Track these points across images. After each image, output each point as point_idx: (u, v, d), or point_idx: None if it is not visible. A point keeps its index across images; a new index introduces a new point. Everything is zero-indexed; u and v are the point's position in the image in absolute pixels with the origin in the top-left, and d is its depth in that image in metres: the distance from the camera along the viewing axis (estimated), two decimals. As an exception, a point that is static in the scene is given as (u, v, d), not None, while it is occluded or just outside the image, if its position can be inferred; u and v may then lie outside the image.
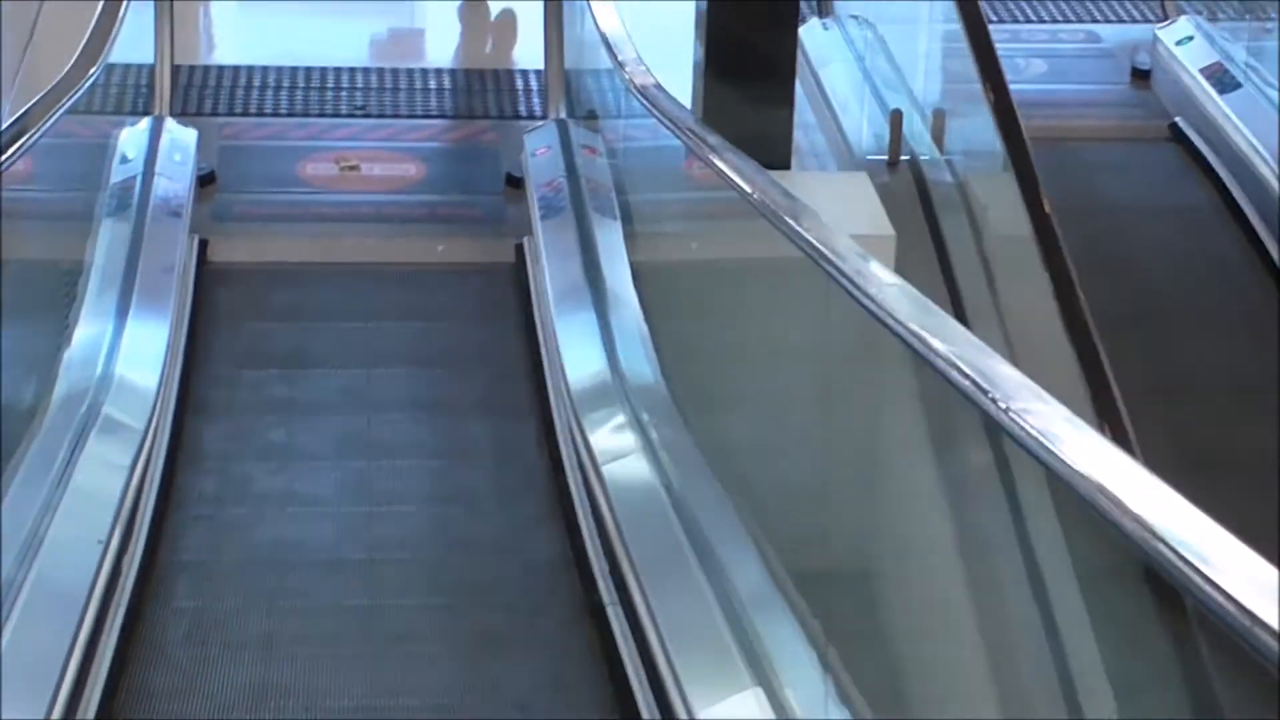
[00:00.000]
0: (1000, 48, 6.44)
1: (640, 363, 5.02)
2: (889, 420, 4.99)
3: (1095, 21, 8.30)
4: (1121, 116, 7.63)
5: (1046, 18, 8.32)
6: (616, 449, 4.56)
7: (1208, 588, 2.09)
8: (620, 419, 4.68)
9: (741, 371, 5.13)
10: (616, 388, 4.88)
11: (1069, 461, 2.51)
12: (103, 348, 5.02)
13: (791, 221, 4.05)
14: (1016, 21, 8.24)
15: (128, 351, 5.05)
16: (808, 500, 4.75)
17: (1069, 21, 8.30)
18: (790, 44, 6.50)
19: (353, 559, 4.59)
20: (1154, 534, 2.24)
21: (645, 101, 5.33)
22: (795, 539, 4.48)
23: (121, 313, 5.27)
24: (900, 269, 6.06)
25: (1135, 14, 8.36)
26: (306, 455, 5.10)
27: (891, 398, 4.96)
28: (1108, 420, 5.39)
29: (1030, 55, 7.88)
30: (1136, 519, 2.28)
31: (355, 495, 4.92)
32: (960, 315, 6.07)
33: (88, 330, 5.13)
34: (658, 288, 5.66)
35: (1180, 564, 2.15)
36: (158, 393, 4.89)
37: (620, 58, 5.62)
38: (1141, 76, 7.74)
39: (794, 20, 6.50)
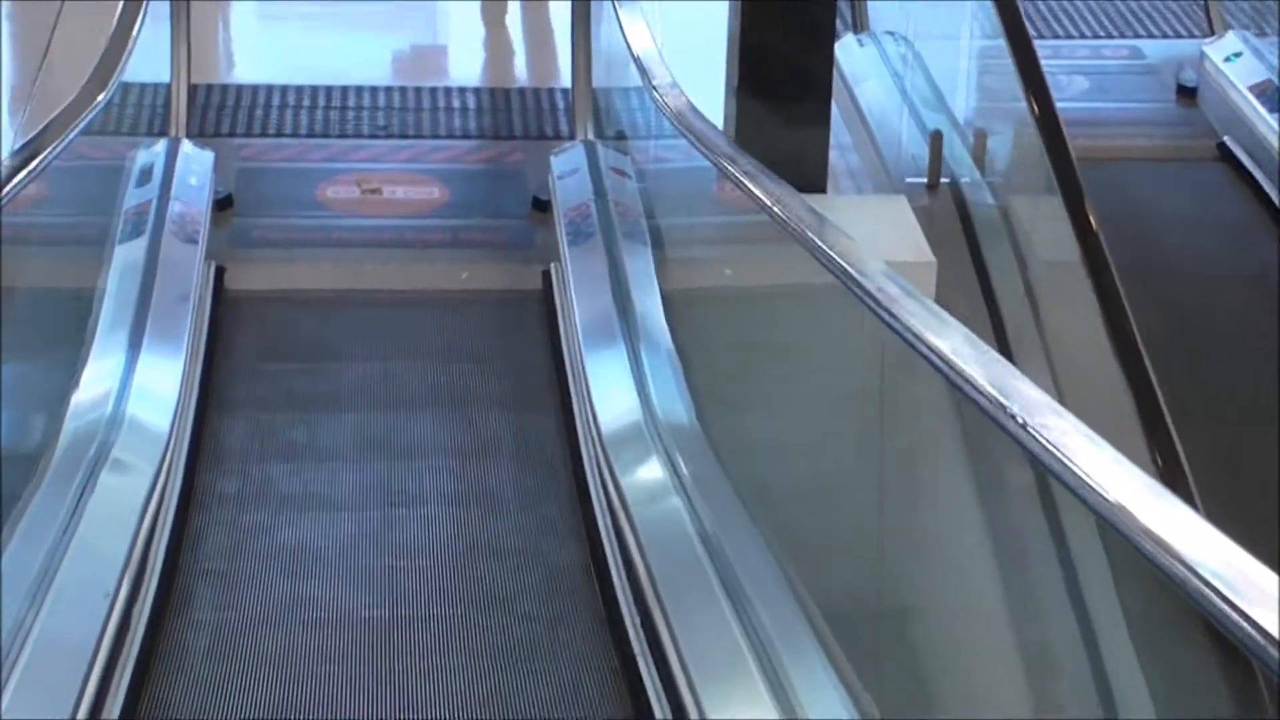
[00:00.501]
0: (1041, 64, 6.24)
1: (673, 397, 4.80)
2: (932, 456, 4.81)
3: (1139, 37, 8.07)
4: (1167, 135, 7.39)
5: (1088, 33, 8.08)
6: (648, 493, 4.34)
7: (1227, 609, 2.02)
8: (652, 461, 4.45)
9: (777, 404, 4.92)
10: (648, 425, 4.67)
11: (1085, 476, 2.42)
12: (113, 384, 4.81)
13: (816, 238, 3.85)
14: (1057, 37, 8.01)
15: (139, 389, 4.84)
16: (850, 544, 4.54)
17: (1111, 37, 8.07)
18: (826, 61, 6.29)
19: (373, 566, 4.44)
20: (1168, 550, 2.17)
21: (681, 126, 5.11)
22: (837, 586, 4.27)
23: (134, 345, 5.07)
24: (941, 296, 5.87)
25: (1180, 29, 8.13)
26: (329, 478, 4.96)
27: (935, 432, 4.78)
28: (1160, 451, 5.18)
29: (1072, 72, 7.65)
30: (1152, 535, 2.21)
31: (375, 499, 4.81)
32: (1003, 344, 5.86)
33: (98, 365, 4.92)
34: (690, 316, 5.46)
35: (1197, 581, 2.08)
36: (170, 432, 4.68)
37: (653, 79, 5.40)
38: (1187, 94, 7.51)
39: (830, 37, 6.28)
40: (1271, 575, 2.04)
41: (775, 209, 4.28)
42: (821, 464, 4.49)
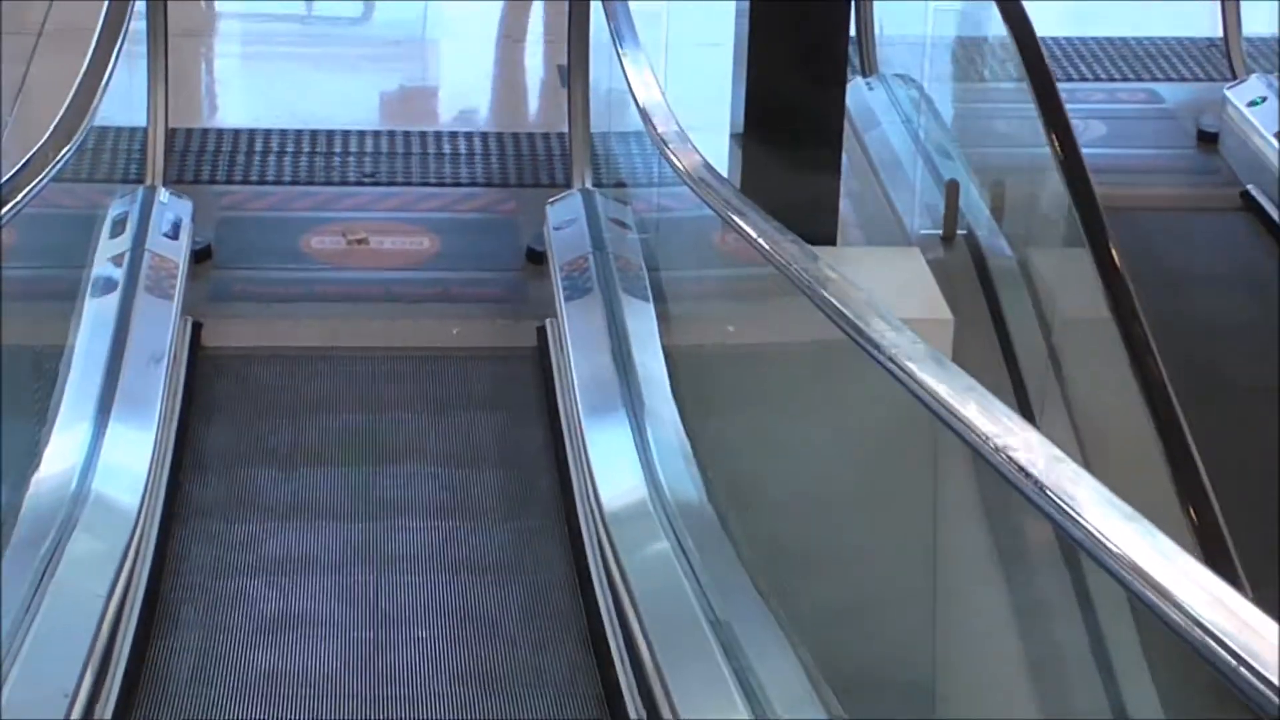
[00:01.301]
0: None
1: (680, 471, 4.48)
2: (952, 522, 4.57)
3: (1156, 80, 7.75)
4: (1187, 184, 7.09)
5: (1103, 75, 7.77)
6: (655, 578, 4.01)
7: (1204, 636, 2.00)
8: (660, 543, 4.12)
9: (792, 475, 4.62)
10: (654, 503, 4.34)
11: (1067, 504, 2.40)
12: (80, 456, 4.48)
13: (824, 292, 3.67)
14: (1071, 79, 7.69)
15: (107, 460, 4.51)
16: (873, 627, 4.25)
17: (1127, 80, 7.76)
18: (837, 106, 6.01)
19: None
20: (1147, 580, 2.14)
21: (687, 176, 4.80)
22: (856, 670, 3.97)
23: (103, 411, 4.74)
24: (958, 355, 5.56)
25: (1199, 72, 7.81)
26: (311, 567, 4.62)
27: (954, 497, 4.54)
28: (1197, 511, 4.89)
29: (1088, 116, 7.34)
30: (1130, 564, 2.19)
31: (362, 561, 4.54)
32: (1024, 405, 5.57)
33: (63, 434, 4.59)
34: (696, 376, 5.16)
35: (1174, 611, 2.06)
36: (140, 510, 4.33)
37: (658, 127, 5.08)
38: (1208, 140, 7.20)
39: (842, 80, 6.00)
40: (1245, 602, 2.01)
41: (782, 261, 4.01)
42: (842, 542, 4.18)
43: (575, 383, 5.09)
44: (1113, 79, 7.75)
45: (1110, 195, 6.51)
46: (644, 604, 3.93)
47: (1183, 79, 7.76)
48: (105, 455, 4.46)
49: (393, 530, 4.76)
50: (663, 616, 3.81)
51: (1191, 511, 4.93)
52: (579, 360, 5.23)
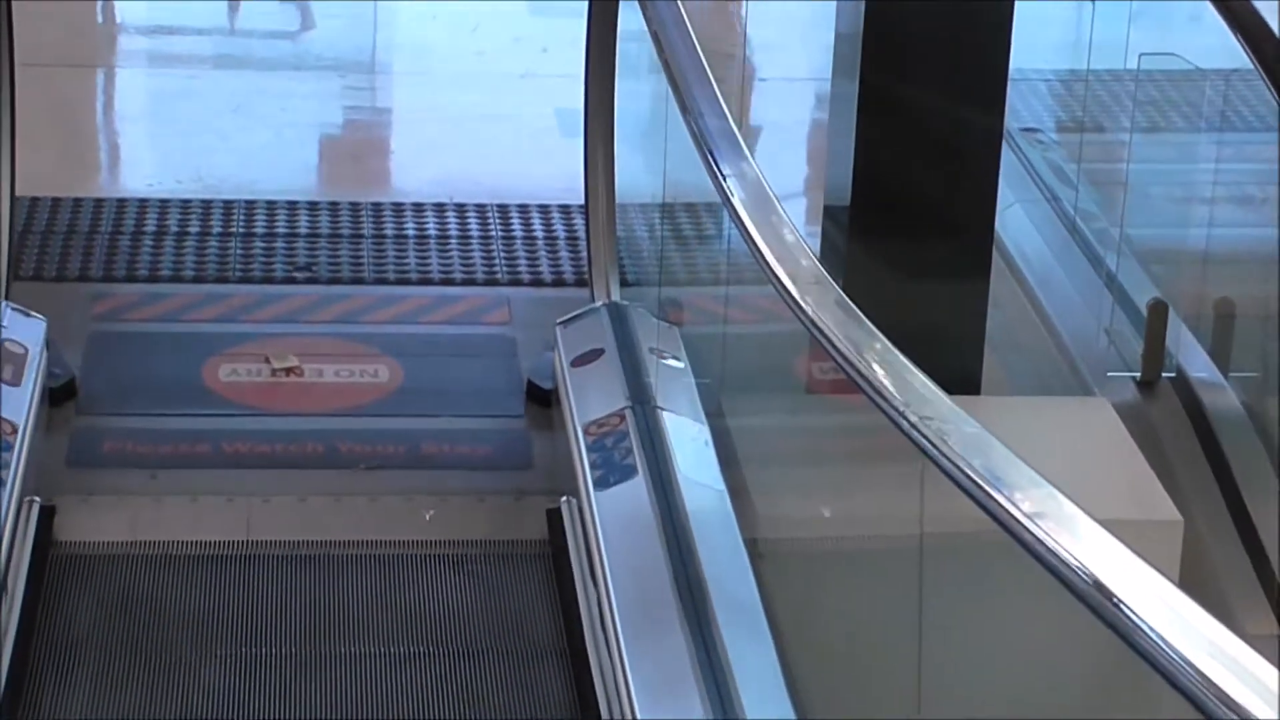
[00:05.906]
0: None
1: None
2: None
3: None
4: None
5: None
6: None
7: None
8: None
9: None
10: None
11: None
12: None
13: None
14: (1236, 129, 5.85)
15: None
16: None
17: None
18: (986, 189, 4.20)
19: None
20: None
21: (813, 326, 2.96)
22: None
23: None
24: (1188, 571, 3.80)
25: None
26: None
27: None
28: None
29: (1265, 181, 5.51)
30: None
31: None
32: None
33: None
34: (806, 599, 3.53)
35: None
36: None
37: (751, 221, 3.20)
38: None
39: (995, 150, 4.19)
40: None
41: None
42: None
43: (623, 653, 3.29)
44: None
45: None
46: None
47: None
48: None
49: None
50: None
51: None
52: (624, 604, 3.45)
